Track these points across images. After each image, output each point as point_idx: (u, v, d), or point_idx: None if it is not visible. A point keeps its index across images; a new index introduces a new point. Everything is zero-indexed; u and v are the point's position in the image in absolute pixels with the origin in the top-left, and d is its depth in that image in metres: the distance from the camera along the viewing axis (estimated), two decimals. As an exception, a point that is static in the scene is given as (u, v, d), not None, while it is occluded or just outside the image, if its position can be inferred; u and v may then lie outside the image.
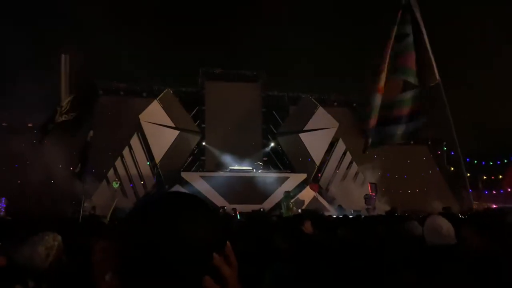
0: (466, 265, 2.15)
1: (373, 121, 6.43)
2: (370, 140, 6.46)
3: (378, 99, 6.35)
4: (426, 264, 2.46)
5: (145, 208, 0.80)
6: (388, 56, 6.32)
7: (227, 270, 0.79)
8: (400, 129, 6.39)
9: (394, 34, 6.38)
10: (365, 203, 18.62)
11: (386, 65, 6.29)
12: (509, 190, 23.54)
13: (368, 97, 6.51)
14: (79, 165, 10.31)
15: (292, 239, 3.16)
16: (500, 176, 25.30)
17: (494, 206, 20.54)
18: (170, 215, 0.77)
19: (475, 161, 26.81)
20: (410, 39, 6.34)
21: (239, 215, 13.51)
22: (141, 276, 0.73)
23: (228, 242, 0.81)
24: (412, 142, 24.91)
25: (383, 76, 6.31)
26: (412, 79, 6.31)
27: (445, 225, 2.93)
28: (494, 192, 24.46)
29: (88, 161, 10.40)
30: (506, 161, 25.58)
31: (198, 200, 0.83)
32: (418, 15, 6.25)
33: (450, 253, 2.59)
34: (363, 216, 8.77)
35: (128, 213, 0.81)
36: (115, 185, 18.73)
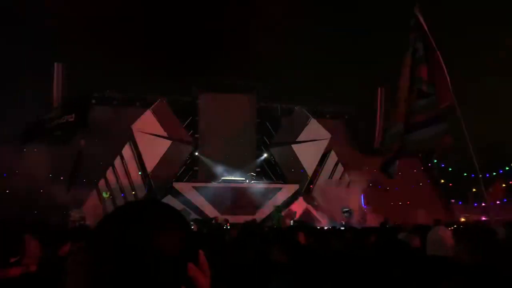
0: (464, 277, 2.18)
1: (395, 146, 6.33)
2: (393, 168, 6.31)
3: (399, 126, 6.27)
4: (428, 276, 2.48)
5: (117, 218, 0.76)
6: (406, 86, 6.26)
7: (203, 280, 0.77)
8: (418, 136, 6.29)
9: (410, 62, 6.36)
10: (345, 217, 18.66)
11: (404, 94, 6.23)
12: (497, 202, 23.71)
13: (390, 125, 6.43)
14: (71, 174, 10.23)
15: (290, 251, 3.11)
16: (490, 189, 25.53)
17: (484, 218, 20.73)
18: (142, 225, 0.74)
19: (465, 174, 27.07)
20: (420, 53, 6.34)
21: (229, 226, 13.45)
22: None
23: (201, 251, 0.79)
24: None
25: (402, 104, 6.25)
26: (424, 87, 6.29)
27: (448, 237, 2.96)
28: (483, 204, 24.64)
29: (79, 170, 10.32)
30: (494, 173, 25.85)
31: (170, 209, 0.81)
32: (426, 30, 6.27)
33: (451, 264, 2.62)
34: (356, 227, 8.79)
35: (97, 225, 0.77)
36: (105, 195, 18.57)
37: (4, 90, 16.52)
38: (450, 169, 26.79)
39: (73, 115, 10.20)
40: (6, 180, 17.19)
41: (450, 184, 25.95)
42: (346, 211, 18.76)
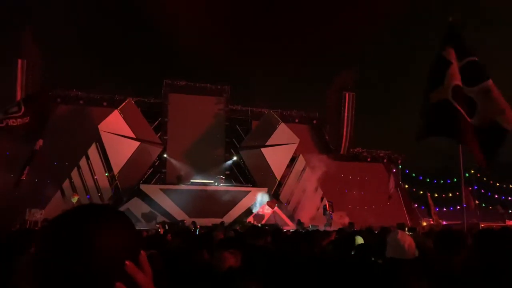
0: (428, 279, 2.31)
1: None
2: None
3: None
4: (388, 277, 2.59)
5: (57, 220, 0.84)
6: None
7: (142, 277, 0.82)
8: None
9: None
10: (324, 214, 19.28)
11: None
12: (470, 205, 24.54)
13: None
14: (23, 174, 9.92)
15: (245, 254, 3.04)
16: (450, 194, 26.56)
17: (444, 222, 21.57)
18: (81, 226, 0.81)
19: (427, 179, 28.13)
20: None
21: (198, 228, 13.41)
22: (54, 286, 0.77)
23: (142, 251, 0.85)
24: (368, 160, 25.94)
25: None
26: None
27: (407, 240, 3.11)
28: (444, 209, 25.63)
29: (32, 170, 9.99)
30: (455, 180, 26.92)
31: (110, 209, 0.88)
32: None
33: (412, 267, 2.75)
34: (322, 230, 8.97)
35: (44, 225, 0.86)
36: (74, 199, 17.98)
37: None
38: (413, 174, 27.71)
39: (28, 117, 9.88)
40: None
41: (414, 189, 26.85)
42: (327, 212, 19.36)
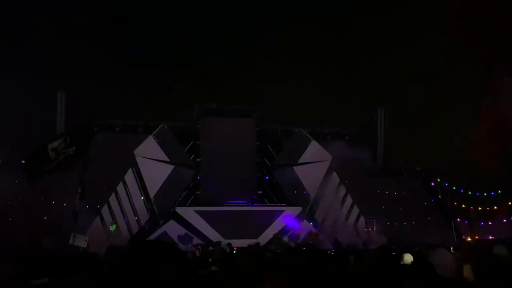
0: None
1: None
2: None
3: None
4: None
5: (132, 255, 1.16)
6: None
7: None
8: None
9: None
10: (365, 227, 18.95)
11: None
12: (504, 221, 23.44)
13: None
14: (77, 202, 10.40)
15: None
16: (495, 207, 25.28)
17: (491, 237, 20.53)
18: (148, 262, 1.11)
19: (469, 192, 26.87)
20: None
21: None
22: None
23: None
24: (405, 174, 25.13)
25: None
26: None
27: (447, 259, 2.95)
28: (490, 223, 24.40)
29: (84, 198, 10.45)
30: (500, 191, 25.65)
31: (169, 248, 1.16)
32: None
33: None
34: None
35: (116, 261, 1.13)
36: (112, 228, 18.54)
37: (6, 120, 16.67)
38: (453, 188, 26.58)
39: (74, 147, 10.47)
40: (10, 208, 17.25)
41: (455, 203, 25.69)
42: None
